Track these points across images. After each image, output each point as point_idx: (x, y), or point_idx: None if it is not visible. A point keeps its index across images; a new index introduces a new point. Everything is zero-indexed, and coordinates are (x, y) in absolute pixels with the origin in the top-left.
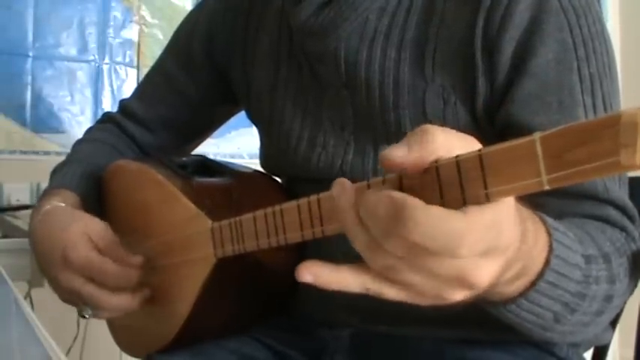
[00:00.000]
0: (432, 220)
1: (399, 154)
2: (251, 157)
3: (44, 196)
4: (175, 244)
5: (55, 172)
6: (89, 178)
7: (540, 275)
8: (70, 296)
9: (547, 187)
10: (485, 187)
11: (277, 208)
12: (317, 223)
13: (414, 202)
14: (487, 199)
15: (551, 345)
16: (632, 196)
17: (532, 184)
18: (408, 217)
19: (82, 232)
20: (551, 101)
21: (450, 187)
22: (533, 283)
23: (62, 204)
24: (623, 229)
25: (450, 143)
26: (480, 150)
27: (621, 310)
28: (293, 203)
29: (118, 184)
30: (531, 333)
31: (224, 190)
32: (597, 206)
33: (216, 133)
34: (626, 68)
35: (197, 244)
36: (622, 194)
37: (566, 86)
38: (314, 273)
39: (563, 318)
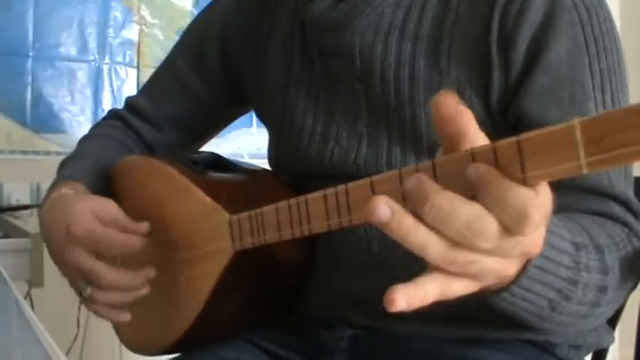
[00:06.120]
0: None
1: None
2: (251, 157)
3: (54, 186)
4: (190, 238)
5: (64, 164)
6: (100, 173)
7: (528, 260)
8: (74, 273)
9: (585, 171)
10: (523, 172)
11: (302, 198)
12: (345, 212)
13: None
14: (524, 183)
15: (551, 345)
16: (636, 195)
17: (571, 167)
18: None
19: (86, 208)
20: (563, 95)
21: None
22: (523, 269)
23: (72, 192)
24: (625, 224)
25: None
26: (517, 136)
27: (621, 310)
28: (319, 193)
29: (128, 180)
30: (530, 323)
31: (239, 186)
32: (601, 201)
33: None
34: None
35: (214, 237)
36: (627, 190)
37: (578, 81)
38: (407, 297)
39: (559, 305)
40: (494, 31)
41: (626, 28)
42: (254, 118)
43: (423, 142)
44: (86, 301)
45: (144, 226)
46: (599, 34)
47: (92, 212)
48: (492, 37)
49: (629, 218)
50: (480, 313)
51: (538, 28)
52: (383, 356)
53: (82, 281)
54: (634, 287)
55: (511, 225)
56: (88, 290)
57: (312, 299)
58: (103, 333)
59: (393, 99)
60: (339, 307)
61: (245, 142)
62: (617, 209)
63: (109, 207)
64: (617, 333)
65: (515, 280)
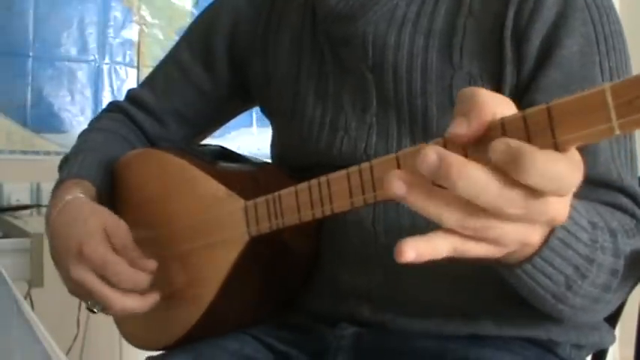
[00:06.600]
0: (549, 163)
1: (462, 131)
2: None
3: (62, 185)
4: (202, 227)
5: (68, 160)
6: (105, 169)
7: (551, 232)
8: (79, 290)
9: (618, 132)
10: (554, 137)
11: (323, 178)
12: (369, 189)
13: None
14: (555, 148)
15: (554, 344)
16: None
17: (603, 129)
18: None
19: (100, 227)
20: (574, 90)
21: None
22: (545, 240)
23: (82, 195)
24: (633, 216)
25: (494, 98)
26: (546, 103)
27: (621, 310)
28: (341, 172)
29: (133, 174)
30: (546, 305)
31: (250, 176)
32: (610, 194)
33: (216, 132)
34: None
35: (228, 224)
36: (634, 183)
37: (589, 77)
38: (416, 250)
39: (575, 284)
40: (509, 28)
41: (626, 28)
42: (254, 117)
43: (433, 134)
44: (94, 312)
45: (152, 264)
46: (609, 34)
47: (104, 231)
48: (506, 32)
49: (637, 211)
50: (485, 309)
51: (552, 26)
52: (385, 354)
53: (89, 299)
54: (636, 283)
55: (541, 187)
56: (100, 307)
57: (317, 294)
58: (103, 333)
59: (404, 90)
60: (345, 301)
61: (245, 142)
62: (625, 201)
63: (120, 229)
64: (617, 333)
65: (538, 251)
